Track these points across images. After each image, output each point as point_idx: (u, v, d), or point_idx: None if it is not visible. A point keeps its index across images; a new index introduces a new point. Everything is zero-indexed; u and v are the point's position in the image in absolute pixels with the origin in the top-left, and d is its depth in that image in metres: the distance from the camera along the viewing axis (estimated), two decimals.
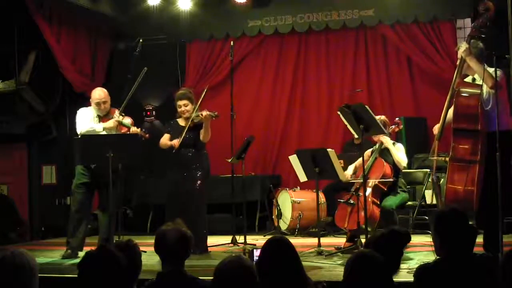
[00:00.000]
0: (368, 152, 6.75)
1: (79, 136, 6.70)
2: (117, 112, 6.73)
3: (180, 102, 6.68)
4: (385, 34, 9.28)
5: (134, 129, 6.66)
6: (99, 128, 6.66)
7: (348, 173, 6.81)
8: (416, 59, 9.10)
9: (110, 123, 6.64)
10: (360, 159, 6.47)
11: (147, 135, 6.71)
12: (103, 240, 6.57)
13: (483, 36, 5.45)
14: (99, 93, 6.78)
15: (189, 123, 6.61)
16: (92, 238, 7.10)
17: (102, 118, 6.75)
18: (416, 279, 3.35)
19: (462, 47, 5.43)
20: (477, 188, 5.19)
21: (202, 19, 9.56)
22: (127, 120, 6.75)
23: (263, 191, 8.98)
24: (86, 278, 2.95)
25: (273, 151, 9.71)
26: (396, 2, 8.90)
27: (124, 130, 6.72)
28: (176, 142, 6.61)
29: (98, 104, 6.71)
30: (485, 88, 5.31)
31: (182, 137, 6.58)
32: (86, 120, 6.72)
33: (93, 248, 3.17)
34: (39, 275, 2.86)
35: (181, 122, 6.75)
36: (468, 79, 5.56)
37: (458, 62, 5.53)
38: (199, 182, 6.61)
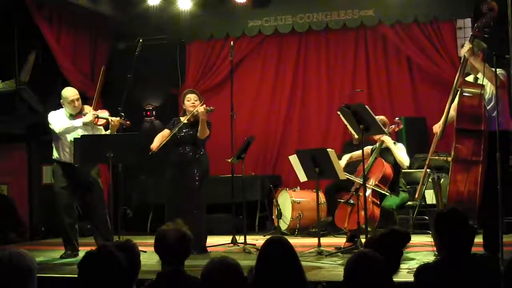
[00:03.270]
0: (367, 149, 6.74)
1: (57, 132, 6.64)
2: (89, 107, 6.75)
3: (190, 96, 6.74)
4: (385, 34, 9.28)
5: (113, 119, 6.63)
6: (79, 123, 6.62)
7: (341, 162, 6.76)
8: (416, 59, 9.09)
9: (89, 117, 6.62)
10: (359, 151, 6.46)
11: (128, 122, 6.72)
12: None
13: (486, 36, 5.45)
14: (72, 91, 6.76)
15: (188, 117, 6.62)
16: (92, 238, 7.09)
17: (75, 116, 6.72)
18: (416, 279, 3.35)
19: (466, 46, 5.43)
20: (480, 188, 5.19)
21: (202, 19, 9.56)
22: (104, 114, 6.75)
23: (263, 191, 8.97)
24: (86, 278, 2.95)
25: (273, 151, 9.70)
26: (396, 2, 8.89)
27: (101, 122, 6.72)
28: (155, 146, 6.60)
29: (72, 102, 6.67)
30: (488, 88, 5.32)
31: (173, 133, 6.59)
32: (62, 119, 6.69)
33: (93, 248, 3.17)
34: (39, 275, 2.86)
35: (184, 119, 6.76)
36: (469, 79, 5.56)
37: (461, 62, 5.54)
38: (197, 181, 6.61)
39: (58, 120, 6.67)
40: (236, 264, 3.05)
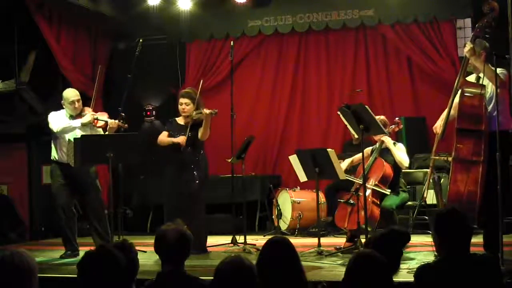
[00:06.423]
0: (367, 150, 6.74)
1: (55, 131, 6.66)
2: (89, 108, 6.76)
3: (182, 100, 6.70)
4: (385, 34, 9.28)
5: (111, 121, 6.66)
6: (77, 123, 6.63)
7: (343, 165, 6.77)
8: (416, 59, 9.09)
9: (88, 117, 6.63)
10: (359, 154, 6.47)
11: (125, 125, 6.73)
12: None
13: (487, 36, 5.46)
14: (73, 92, 6.79)
15: (189, 121, 6.61)
16: (91, 238, 7.09)
17: (75, 117, 6.73)
18: (416, 279, 3.35)
19: (467, 46, 5.44)
20: (480, 188, 5.19)
21: (202, 19, 9.55)
22: (103, 116, 6.77)
23: (263, 191, 8.97)
24: (86, 278, 2.95)
25: (273, 151, 9.70)
26: (396, 2, 8.89)
27: (100, 124, 6.72)
28: (182, 139, 6.59)
29: (73, 102, 6.69)
30: (489, 88, 5.32)
31: (187, 135, 6.57)
32: (61, 119, 6.70)
33: (93, 248, 3.17)
34: (39, 275, 2.87)
35: (180, 121, 6.75)
36: (471, 78, 5.56)
37: (462, 62, 5.55)
38: (196, 183, 6.60)
39: (57, 120, 6.69)
40: (251, 266, 3.04)
